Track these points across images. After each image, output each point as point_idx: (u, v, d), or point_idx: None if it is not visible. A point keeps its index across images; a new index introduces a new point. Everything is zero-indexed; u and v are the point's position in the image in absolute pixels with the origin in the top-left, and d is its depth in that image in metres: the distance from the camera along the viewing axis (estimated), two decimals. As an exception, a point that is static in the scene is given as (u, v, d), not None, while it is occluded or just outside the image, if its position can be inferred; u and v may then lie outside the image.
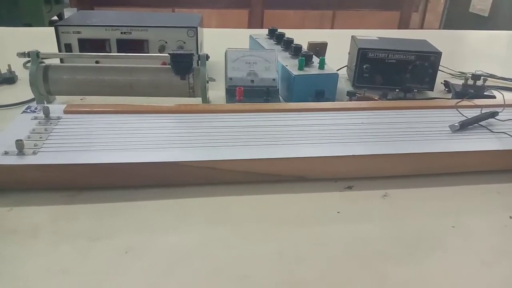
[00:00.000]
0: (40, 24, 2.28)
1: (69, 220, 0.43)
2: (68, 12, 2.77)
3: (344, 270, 0.38)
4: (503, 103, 0.61)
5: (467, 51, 1.20)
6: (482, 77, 0.74)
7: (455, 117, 0.58)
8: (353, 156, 0.49)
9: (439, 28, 2.89)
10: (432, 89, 0.77)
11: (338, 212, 0.45)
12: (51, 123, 0.53)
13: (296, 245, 0.41)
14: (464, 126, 0.55)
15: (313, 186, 0.49)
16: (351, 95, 0.70)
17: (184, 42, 0.78)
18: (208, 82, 0.66)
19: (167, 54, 0.63)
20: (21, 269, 0.36)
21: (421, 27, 2.98)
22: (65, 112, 0.55)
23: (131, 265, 0.37)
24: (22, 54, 0.63)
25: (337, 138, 0.52)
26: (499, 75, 0.88)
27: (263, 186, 0.49)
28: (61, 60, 0.76)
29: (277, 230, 0.43)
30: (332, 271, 0.38)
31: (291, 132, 0.53)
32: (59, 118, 0.54)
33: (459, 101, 0.63)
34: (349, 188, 0.49)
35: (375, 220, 0.45)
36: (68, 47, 0.76)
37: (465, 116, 0.58)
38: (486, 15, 2.49)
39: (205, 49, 0.90)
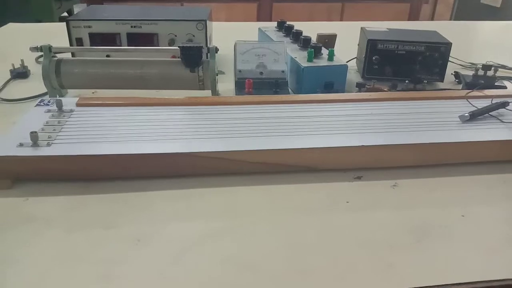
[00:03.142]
0: (50, 20, 2.30)
1: (83, 209, 0.44)
2: (77, 9, 2.79)
3: (353, 258, 0.38)
4: (514, 93, 0.61)
5: (478, 42, 1.19)
6: (492, 68, 0.73)
7: (465, 107, 0.58)
8: (363, 146, 0.49)
9: (450, 20, 2.85)
10: (442, 80, 0.76)
11: (347, 202, 0.46)
12: (64, 116, 0.54)
13: (305, 233, 0.41)
14: (474, 116, 0.55)
15: (322, 176, 0.49)
16: (360, 87, 0.70)
17: (194, 35, 0.78)
18: (217, 75, 0.66)
19: (177, 47, 0.64)
20: (37, 256, 0.38)
21: (432, 19, 2.95)
22: (78, 105, 0.56)
23: (142, 253, 0.38)
24: (34, 49, 0.64)
25: (346, 129, 0.52)
26: (510, 65, 0.87)
27: (273, 176, 0.49)
28: (73, 54, 0.77)
29: (286, 219, 0.43)
30: (341, 259, 0.38)
31: (300, 123, 0.54)
32: (71, 111, 0.55)
33: (469, 92, 0.62)
34: (359, 178, 0.50)
35: (384, 210, 0.45)
36: (79, 41, 0.77)
37: (475, 107, 0.57)
38: (498, 5, 2.45)
39: (214, 42, 0.90)
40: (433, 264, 0.38)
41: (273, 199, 0.46)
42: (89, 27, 0.76)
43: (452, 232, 0.42)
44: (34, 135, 0.47)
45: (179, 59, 0.64)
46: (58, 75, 0.64)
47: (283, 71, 0.67)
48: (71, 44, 0.77)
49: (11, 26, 1.17)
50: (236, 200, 0.46)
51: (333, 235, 0.41)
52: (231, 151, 0.48)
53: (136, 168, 0.48)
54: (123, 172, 0.48)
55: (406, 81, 0.71)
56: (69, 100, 0.57)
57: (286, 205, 0.45)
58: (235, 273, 0.36)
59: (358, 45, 0.83)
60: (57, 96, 0.66)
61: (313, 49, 0.69)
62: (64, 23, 0.78)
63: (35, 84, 0.70)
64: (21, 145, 0.47)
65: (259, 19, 2.63)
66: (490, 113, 0.56)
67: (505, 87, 0.71)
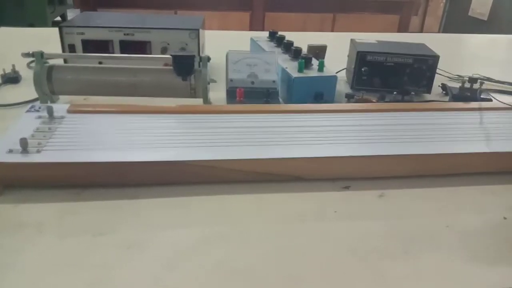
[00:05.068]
0: (44, 24, 2.30)
1: (73, 216, 0.44)
2: (71, 13, 2.78)
3: (341, 266, 0.39)
4: (499, 106, 0.62)
5: (465, 55, 1.22)
6: (479, 80, 0.75)
7: (451, 119, 0.59)
8: (351, 157, 0.50)
9: (439, 32, 2.90)
10: (429, 92, 0.78)
11: (335, 212, 0.46)
12: (54, 122, 0.54)
13: (294, 242, 0.42)
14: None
15: (311, 186, 0.50)
16: (349, 97, 0.71)
17: (186, 44, 0.79)
18: (209, 83, 0.67)
19: (169, 56, 0.64)
20: (27, 263, 0.37)
21: (421, 31, 3.00)
22: (69, 111, 0.56)
23: (133, 261, 0.38)
24: (26, 54, 0.64)
25: (335, 139, 0.53)
26: (497, 78, 0.89)
27: (262, 185, 0.50)
28: (65, 61, 0.77)
29: (275, 227, 0.44)
30: (330, 268, 0.39)
31: (290, 133, 0.54)
32: (62, 117, 0.55)
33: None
34: (346, 188, 0.50)
35: (371, 219, 0.46)
36: (72, 48, 0.77)
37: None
38: (485, 19, 2.50)
39: (207, 51, 0.91)
40: (421, 273, 0.38)
41: (263, 207, 0.47)
42: (82, 33, 0.76)
43: (439, 242, 0.42)
44: (24, 142, 0.47)
45: (171, 67, 0.65)
46: (49, 81, 0.64)
47: (274, 81, 0.68)
48: (63, 50, 0.77)
49: (3, 30, 1.16)
50: (226, 208, 0.46)
51: (321, 244, 0.42)
52: (222, 160, 0.48)
53: (127, 176, 0.48)
54: (114, 179, 0.48)
55: (394, 93, 0.73)
56: (60, 106, 0.57)
57: (275, 213, 0.46)
58: (226, 280, 0.37)
59: (348, 56, 0.85)
60: (48, 102, 0.66)
61: (303, 60, 0.69)
62: (57, 28, 0.78)
63: (26, 90, 0.70)
64: (10, 151, 0.47)
65: (252, 28, 2.65)
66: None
67: (490, 100, 0.73)
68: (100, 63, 0.74)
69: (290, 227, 0.44)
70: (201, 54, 0.79)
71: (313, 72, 0.69)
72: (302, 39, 0.85)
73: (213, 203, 0.47)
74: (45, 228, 0.42)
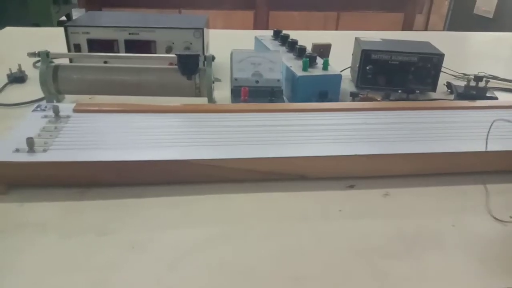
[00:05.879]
0: (49, 24, 2.31)
1: (78, 215, 0.44)
2: (76, 13, 2.79)
3: (345, 266, 0.39)
4: (504, 105, 0.62)
5: (470, 53, 1.21)
6: (484, 79, 0.74)
7: (457, 117, 0.59)
8: (355, 155, 0.50)
9: (444, 30, 2.88)
10: (434, 90, 0.77)
11: (339, 210, 0.46)
12: (60, 122, 0.54)
13: (298, 241, 0.42)
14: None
15: (315, 185, 0.50)
16: (354, 96, 0.71)
17: (191, 43, 0.79)
18: (214, 82, 0.67)
19: (174, 55, 0.65)
20: (31, 262, 0.38)
21: (426, 29, 2.98)
22: (75, 110, 0.57)
23: (137, 260, 0.38)
24: (32, 54, 0.64)
25: (339, 138, 0.53)
26: (502, 76, 0.89)
27: (267, 184, 0.50)
28: (70, 60, 0.78)
29: (279, 227, 0.44)
30: (333, 267, 0.39)
31: (294, 131, 0.54)
32: (68, 116, 0.55)
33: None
34: (351, 187, 0.50)
35: (376, 218, 0.45)
36: (77, 47, 0.78)
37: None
38: (491, 16, 2.49)
39: (211, 50, 0.91)
40: (425, 273, 0.38)
41: (267, 206, 0.47)
42: (87, 33, 0.77)
43: (444, 242, 0.42)
44: (30, 141, 0.47)
45: (176, 66, 0.65)
46: (55, 80, 0.65)
47: (278, 80, 0.68)
48: (69, 50, 0.78)
49: (8, 30, 1.17)
50: (231, 207, 0.46)
51: (326, 243, 0.42)
52: (226, 159, 0.48)
53: (132, 175, 0.48)
54: (119, 178, 0.48)
55: (399, 91, 0.73)
56: (66, 106, 0.58)
57: (280, 212, 0.46)
58: (229, 280, 0.37)
59: (352, 54, 0.84)
60: (54, 101, 0.67)
61: (308, 59, 0.69)
62: (62, 27, 0.78)
63: (32, 89, 0.71)
64: (17, 150, 0.47)
65: (255, 27, 2.64)
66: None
67: (496, 98, 0.72)
68: (105, 62, 0.74)
69: (294, 227, 0.44)
70: (205, 53, 0.80)
71: (317, 71, 0.69)
72: (306, 38, 0.85)
73: (216, 202, 0.47)
74: (48, 228, 0.42)
